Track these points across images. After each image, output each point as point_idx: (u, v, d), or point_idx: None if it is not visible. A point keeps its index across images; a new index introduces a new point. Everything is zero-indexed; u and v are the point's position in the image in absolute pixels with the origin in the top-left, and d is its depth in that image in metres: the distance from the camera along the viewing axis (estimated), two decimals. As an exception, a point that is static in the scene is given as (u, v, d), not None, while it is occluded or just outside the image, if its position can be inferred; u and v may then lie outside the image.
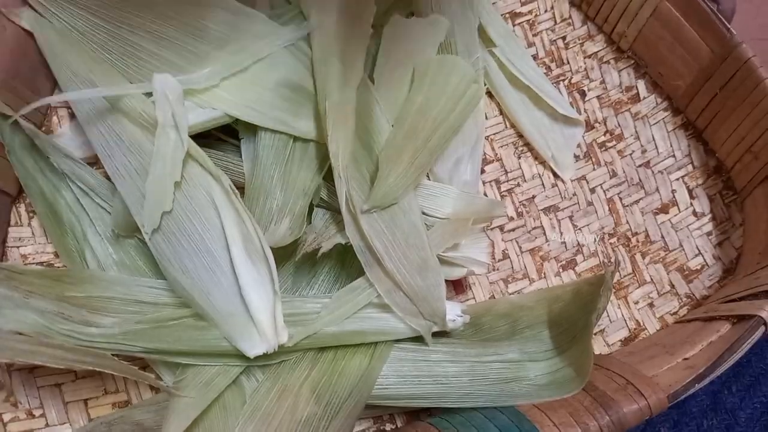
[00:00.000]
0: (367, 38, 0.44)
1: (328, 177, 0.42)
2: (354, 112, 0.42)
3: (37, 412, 0.40)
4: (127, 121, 0.39)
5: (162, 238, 0.38)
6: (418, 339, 0.40)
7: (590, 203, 0.50)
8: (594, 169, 0.51)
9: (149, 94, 0.40)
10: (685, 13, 0.47)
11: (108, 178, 0.41)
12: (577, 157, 0.51)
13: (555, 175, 0.50)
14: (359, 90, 0.43)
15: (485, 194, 0.49)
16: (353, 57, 0.43)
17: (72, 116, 0.44)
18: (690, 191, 0.51)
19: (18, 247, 0.43)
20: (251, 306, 0.36)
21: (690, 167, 0.52)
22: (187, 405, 0.35)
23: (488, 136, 0.51)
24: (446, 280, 0.41)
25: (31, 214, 0.43)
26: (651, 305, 0.49)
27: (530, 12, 0.53)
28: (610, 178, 0.51)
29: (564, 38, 0.53)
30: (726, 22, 0.46)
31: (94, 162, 0.43)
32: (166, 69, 0.41)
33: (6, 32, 0.41)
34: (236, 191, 0.38)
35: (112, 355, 0.36)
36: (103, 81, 0.40)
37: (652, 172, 0.51)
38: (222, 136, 0.44)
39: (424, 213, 0.43)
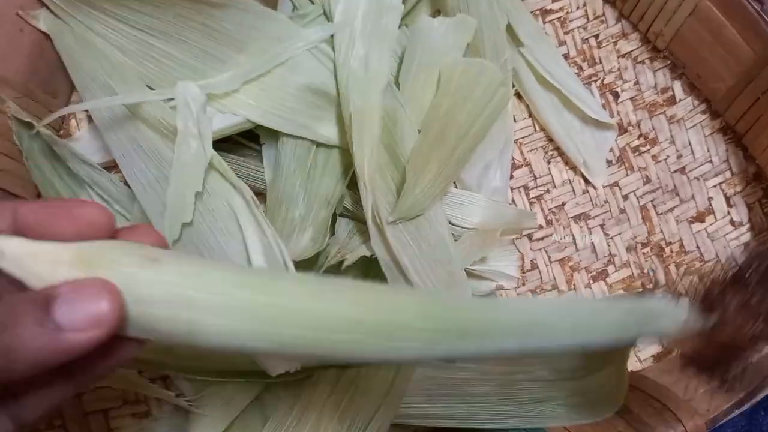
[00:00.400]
0: (393, 40, 0.42)
1: (352, 185, 0.41)
2: (380, 117, 0.40)
3: (57, 422, 0.39)
4: (147, 128, 0.38)
5: (182, 248, 0.37)
6: (444, 355, 0.39)
7: (623, 211, 0.48)
8: (627, 175, 0.49)
9: (170, 99, 0.39)
10: (727, 12, 0.45)
11: (127, 183, 0.40)
12: (609, 162, 0.49)
13: (586, 181, 0.49)
14: (384, 95, 0.41)
15: (513, 201, 0.48)
16: (379, 60, 0.41)
17: (90, 119, 0.43)
18: (727, 199, 0.49)
19: (36, 254, 0.42)
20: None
21: (728, 174, 0.49)
22: (208, 424, 0.34)
23: (517, 140, 0.49)
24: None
25: (49, 221, 0.42)
26: (685, 319, 0.47)
27: (561, 9, 0.51)
28: (644, 184, 0.49)
29: (597, 36, 0.51)
30: (771, 23, 0.43)
31: (113, 166, 0.42)
32: (185, 72, 0.40)
33: (23, 34, 0.40)
34: (257, 202, 0.37)
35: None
36: (120, 85, 0.39)
37: (688, 178, 0.49)
38: (243, 141, 0.43)
39: (451, 223, 0.41)
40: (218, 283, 0.22)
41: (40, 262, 0.21)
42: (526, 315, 0.26)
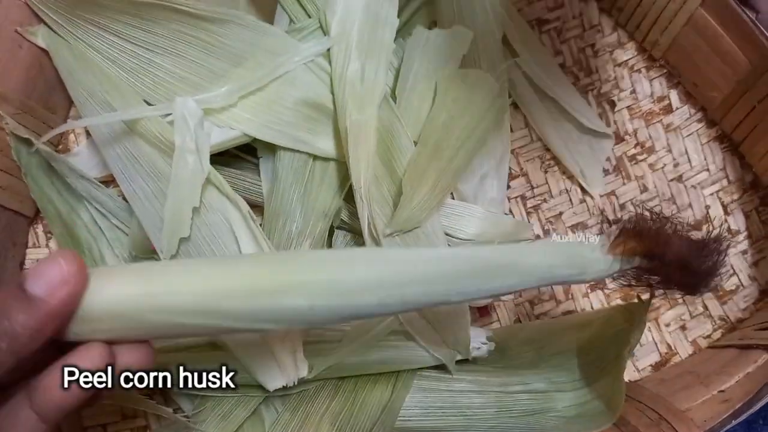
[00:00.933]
0: (390, 53, 0.42)
1: (349, 197, 0.41)
2: (376, 130, 0.40)
3: (56, 437, 0.39)
4: (144, 143, 0.39)
5: (180, 263, 0.37)
6: (442, 367, 0.39)
7: (620, 220, 0.48)
8: (624, 184, 0.49)
9: (167, 115, 0.39)
10: (722, 21, 0.45)
11: (125, 198, 0.40)
12: (606, 172, 0.49)
13: (583, 190, 0.49)
14: (381, 107, 0.41)
15: (510, 211, 0.48)
16: (375, 73, 0.42)
17: (89, 134, 0.43)
18: (725, 207, 0.49)
19: (36, 268, 0.42)
20: (270, 338, 0.35)
21: (725, 182, 0.49)
22: (206, 439, 0.35)
23: (514, 150, 0.49)
24: (470, 306, 0.40)
25: (48, 235, 0.43)
26: (683, 328, 0.47)
27: (558, 19, 0.51)
28: (641, 193, 0.49)
29: (593, 46, 0.51)
30: (766, 32, 0.43)
31: (111, 180, 0.42)
32: (183, 87, 0.40)
33: (21, 50, 0.40)
34: (254, 216, 0.37)
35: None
36: (118, 101, 0.39)
37: (685, 186, 0.49)
38: (240, 154, 0.43)
39: (447, 234, 0.41)
40: (162, 281, 0.26)
41: None
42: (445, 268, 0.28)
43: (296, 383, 0.35)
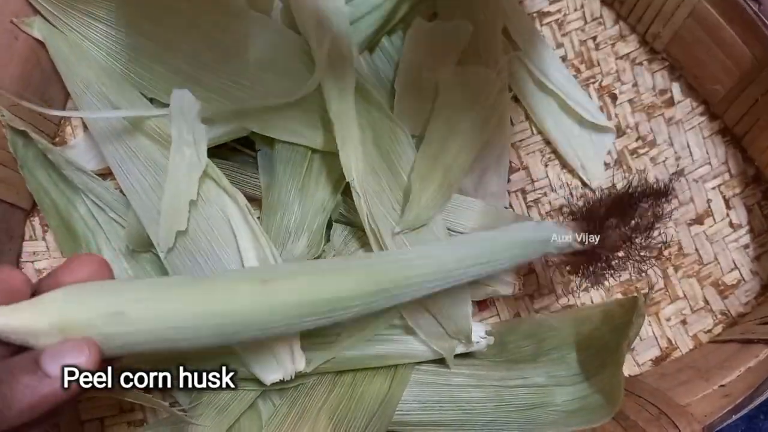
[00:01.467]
0: (350, 37, 0.41)
1: (347, 191, 0.41)
2: (355, 120, 0.39)
3: (53, 431, 0.39)
4: (142, 137, 0.38)
5: (177, 256, 0.37)
6: (440, 361, 0.39)
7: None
8: (625, 178, 0.49)
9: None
10: (725, 13, 0.44)
11: (122, 191, 0.40)
12: (607, 165, 0.49)
13: (584, 183, 0.48)
14: (374, 107, 0.41)
15: (510, 205, 0.47)
16: (342, 64, 0.40)
17: (86, 126, 0.43)
18: (726, 201, 0.49)
19: (32, 261, 0.42)
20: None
21: (727, 176, 0.49)
22: (203, 433, 0.34)
23: (514, 143, 0.49)
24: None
25: (45, 228, 0.43)
26: (684, 322, 0.47)
27: (559, 11, 0.51)
28: (642, 187, 0.49)
29: (594, 38, 0.51)
30: (769, 24, 0.43)
31: (109, 173, 0.42)
32: (179, 79, 0.40)
33: (18, 42, 0.40)
34: (251, 210, 0.37)
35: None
36: (114, 93, 0.39)
37: (687, 180, 0.49)
38: (238, 147, 0.43)
39: (447, 228, 0.41)
40: (180, 317, 0.26)
41: (21, 334, 0.24)
42: (433, 263, 0.32)
43: (293, 377, 0.35)
